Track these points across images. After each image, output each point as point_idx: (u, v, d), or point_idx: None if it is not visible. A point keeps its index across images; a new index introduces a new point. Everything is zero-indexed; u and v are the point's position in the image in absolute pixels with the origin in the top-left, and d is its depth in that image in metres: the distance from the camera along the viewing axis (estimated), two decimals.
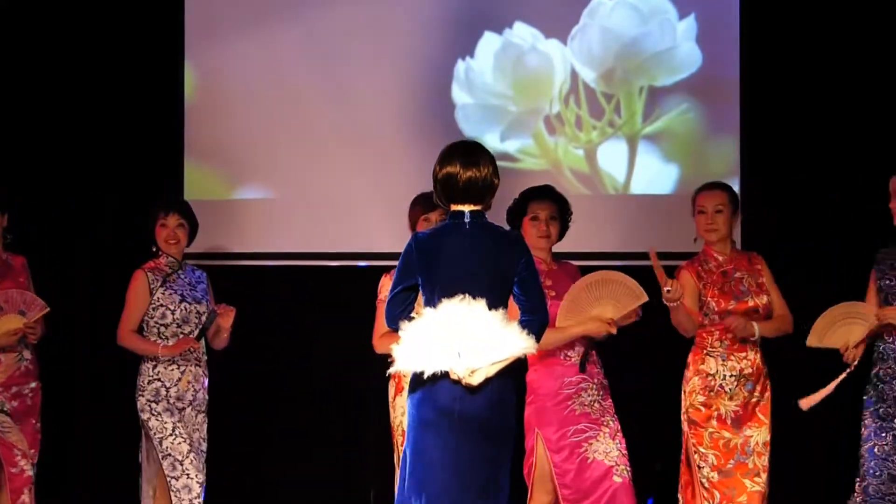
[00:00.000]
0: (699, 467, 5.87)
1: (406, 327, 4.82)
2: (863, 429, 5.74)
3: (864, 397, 5.77)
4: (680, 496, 6.02)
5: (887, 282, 5.77)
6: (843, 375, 5.68)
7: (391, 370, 4.91)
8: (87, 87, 7.56)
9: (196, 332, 6.30)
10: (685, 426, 5.96)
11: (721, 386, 5.90)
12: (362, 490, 7.46)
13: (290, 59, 7.52)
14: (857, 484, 5.74)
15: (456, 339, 4.73)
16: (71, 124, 7.56)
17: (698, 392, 5.92)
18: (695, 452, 5.89)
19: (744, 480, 5.88)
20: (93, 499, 7.44)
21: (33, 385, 6.36)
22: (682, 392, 5.99)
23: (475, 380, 4.74)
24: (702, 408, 5.91)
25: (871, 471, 5.69)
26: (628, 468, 5.90)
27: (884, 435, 5.70)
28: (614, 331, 5.87)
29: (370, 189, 7.42)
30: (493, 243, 4.90)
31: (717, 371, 5.92)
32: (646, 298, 5.84)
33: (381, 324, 6.02)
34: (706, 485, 5.85)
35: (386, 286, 6.05)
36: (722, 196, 6.01)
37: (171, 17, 7.57)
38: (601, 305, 5.85)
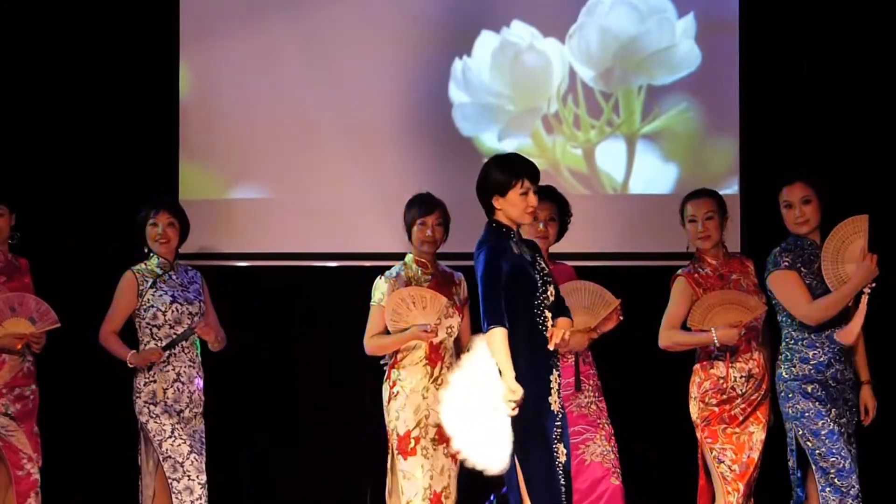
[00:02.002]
0: (719, 462, 5.86)
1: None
2: (818, 422, 5.72)
3: (806, 396, 5.76)
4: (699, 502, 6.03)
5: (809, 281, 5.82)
6: (867, 292, 5.67)
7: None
8: (82, 86, 7.53)
9: (164, 344, 6.26)
10: (699, 431, 5.94)
11: (733, 388, 5.89)
12: (359, 491, 7.43)
13: (285, 59, 7.49)
14: (821, 473, 5.72)
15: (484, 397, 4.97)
16: (65, 124, 7.53)
17: (711, 395, 5.91)
18: (711, 450, 5.88)
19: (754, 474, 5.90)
20: (93, 500, 7.40)
21: (33, 387, 6.34)
22: (692, 399, 5.97)
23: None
24: (715, 408, 5.89)
25: (841, 451, 5.71)
26: (620, 472, 5.92)
27: (842, 432, 5.75)
28: (595, 336, 5.93)
29: (366, 189, 7.39)
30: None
31: (728, 374, 5.89)
32: (617, 302, 5.90)
33: (373, 325, 5.99)
34: (729, 477, 5.84)
35: (380, 289, 6.01)
36: (711, 203, 6.00)
37: (166, 17, 7.54)
38: (574, 317, 5.83)
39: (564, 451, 5.08)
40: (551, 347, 5.03)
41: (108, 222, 7.44)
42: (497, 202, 5.12)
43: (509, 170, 5.12)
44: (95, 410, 7.39)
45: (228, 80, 7.52)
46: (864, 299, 5.69)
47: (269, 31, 7.50)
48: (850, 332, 5.70)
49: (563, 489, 5.04)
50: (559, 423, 5.09)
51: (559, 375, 5.13)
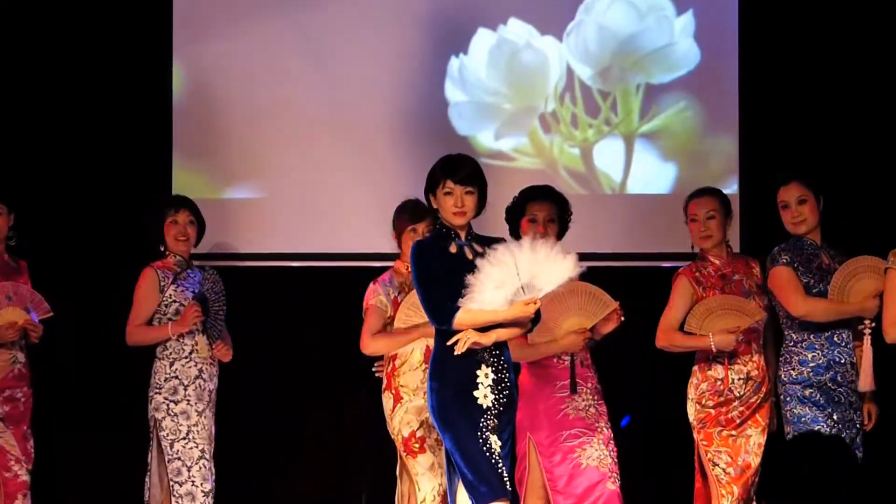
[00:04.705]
0: (714, 465, 5.85)
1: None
2: (814, 427, 5.73)
3: (803, 401, 5.77)
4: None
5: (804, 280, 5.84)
6: (868, 332, 5.71)
7: None
8: (75, 85, 7.50)
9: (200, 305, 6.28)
10: (695, 433, 5.93)
11: (730, 390, 5.87)
12: (355, 493, 7.37)
13: (280, 57, 7.45)
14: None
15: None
16: (57, 123, 7.50)
17: (708, 397, 5.89)
18: (706, 453, 5.86)
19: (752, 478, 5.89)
20: (94, 502, 7.37)
21: (25, 390, 6.31)
22: (689, 400, 5.96)
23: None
24: (711, 411, 5.88)
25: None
26: (618, 477, 5.87)
27: (844, 436, 5.74)
28: (590, 336, 5.87)
29: (362, 188, 7.35)
30: None
31: (726, 375, 5.88)
32: (615, 304, 5.84)
33: (372, 324, 5.93)
34: (724, 480, 5.82)
35: (374, 293, 5.94)
36: (712, 202, 6.00)
37: (159, 15, 7.50)
38: (569, 318, 5.82)
39: (499, 442, 5.04)
40: (457, 352, 5.00)
41: (101, 222, 7.40)
42: (433, 202, 5.19)
43: (435, 169, 5.19)
44: (95, 412, 7.36)
45: (222, 79, 7.47)
46: (867, 340, 5.73)
47: (263, 30, 7.45)
48: (866, 378, 5.73)
49: (502, 471, 5.02)
50: (492, 416, 5.06)
51: (495, 371, 5.08)
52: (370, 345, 5.92)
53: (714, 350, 5.79)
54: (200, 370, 6.25)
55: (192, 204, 6.43)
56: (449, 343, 5.03)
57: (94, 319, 7.18)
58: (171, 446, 6.18)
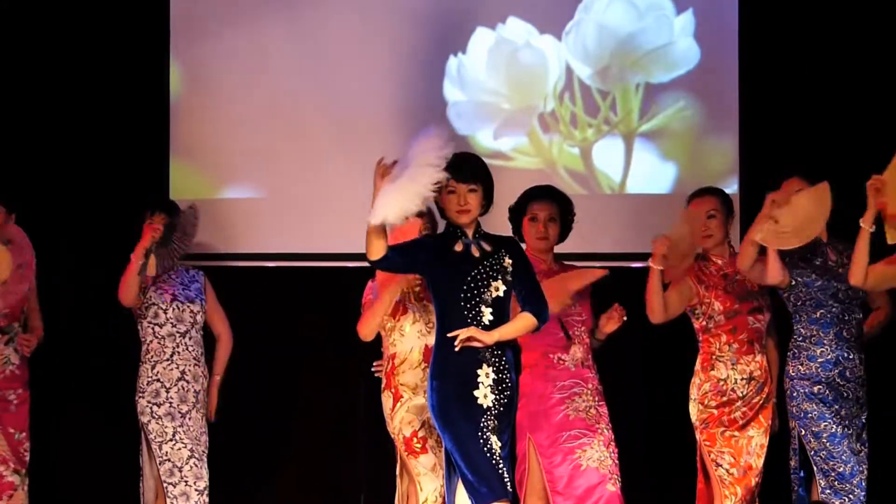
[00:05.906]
0: (717, 465, 5.85)
1: None
2: (820, 423, 5.72)
3: (811, 397, 5.76)
4: None
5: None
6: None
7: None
8: (72, 85, 7.49)
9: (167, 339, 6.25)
10: (698, 434, 5.92)
11: (733, 390, 5.87)
12: (353, 495, 7.40)
13: (278, 56, 7.44)
14: (822, 475, 5.73)
15: None
16: (55, 123, 7.50)
17: (711, 398, 5.88)
18: (709, 453, 5.86)
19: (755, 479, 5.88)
20: (92, 502, 7.38)
21: (20, 391, 6.31)
22: (692, 400, 5.96)
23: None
24: (714, 411, 5.87)
25: (843, 455, 5.71)
26: (619, 478, 5.85)
27: (850, 432, 5.74)
28: (571, 302, 5.89)
29: (360, 188, 7.23)
30: None
31: (728, 376, 5.88)
32: (602, 272, 5.91)
33: (366, 316, 5.87)
34: (727, 481, 5.82)
35: (372, 290, 5.92)
36: (713, 201, 6.00)
37: (156, 14, 7.50)
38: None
39: (499, 443, 5.04)
40: (456, 347, 5.02)
41: (98, 221, 7.39)
42: (441, 202, 5.19)
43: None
44: (94, 412, 7.36)
45: (219, 79, 7.46)
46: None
47: (260, 29, 7.45)
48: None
49: (503, 471, 5.03)
50: (493, 416, 5.06)
51: (496, 371, 5.08)
52: (362, 328, 5.84)
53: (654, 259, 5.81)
54: (183, 372, 6.27)
55: (170, 206, 6.46)
56: (449, 335, 5.03)
57: (92, 319, 7.17)
58: (160, 448, 6.20)
